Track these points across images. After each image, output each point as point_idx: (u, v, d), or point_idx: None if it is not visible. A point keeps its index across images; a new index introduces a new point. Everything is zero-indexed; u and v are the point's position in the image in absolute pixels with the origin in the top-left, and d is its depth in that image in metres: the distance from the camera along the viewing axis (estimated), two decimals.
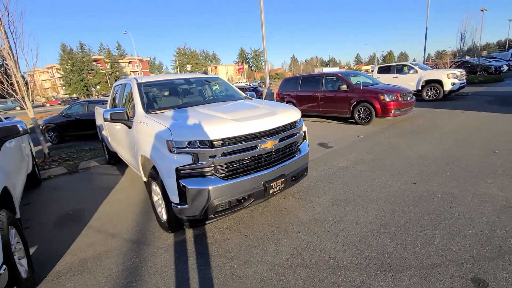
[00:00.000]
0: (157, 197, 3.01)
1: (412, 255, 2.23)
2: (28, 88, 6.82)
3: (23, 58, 6.94)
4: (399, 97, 7.24)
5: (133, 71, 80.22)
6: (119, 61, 77.36)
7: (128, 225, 3.18)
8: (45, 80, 78.22)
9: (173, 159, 2.39)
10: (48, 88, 76.64)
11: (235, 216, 3.15)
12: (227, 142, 2.47)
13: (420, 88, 11.27)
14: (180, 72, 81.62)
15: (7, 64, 6.75)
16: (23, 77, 6.99)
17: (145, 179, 3.28)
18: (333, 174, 4.18)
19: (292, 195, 3.58)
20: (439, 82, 10.67)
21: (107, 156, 5.91)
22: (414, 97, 8.17)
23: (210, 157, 2.41)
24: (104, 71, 72.49)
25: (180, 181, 2.39)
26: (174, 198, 2.45)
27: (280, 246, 2.52)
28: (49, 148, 7.44)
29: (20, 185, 3.22)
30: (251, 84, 36.06)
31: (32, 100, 7.04)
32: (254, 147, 2.61)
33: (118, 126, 3.85)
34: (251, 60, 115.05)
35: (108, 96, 6.09)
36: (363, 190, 3.54)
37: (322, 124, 8.59)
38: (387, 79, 11.81)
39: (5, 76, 6.78)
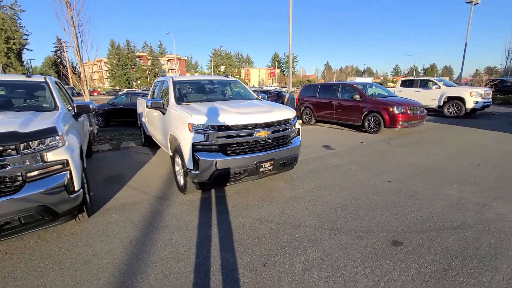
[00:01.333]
0: (178, 167, 4.01)
1: (357, 224, 2.95)
2: (86, 79, 8.38)
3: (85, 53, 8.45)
4: (408, 110, 7.65)
5: (171, 69, 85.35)
6: (159, 58, 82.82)
7: (155, 187, 4.21)
8: (94, 72, 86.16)
9: (191, 137, 3.35)
10: (95, 79, 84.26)
11: (234, 188, 4.04)
12: (230, 128, 3.38)
13: (441, 104, 11.32)
14: (214, 72, 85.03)
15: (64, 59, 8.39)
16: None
17: (171, 154, 4.29)
18: (325, 169, 4.90)
19: (284, 180, 4.38)
20: (461, 100, 10.68)
21: (143, 139, 7.14)
22: (425, 111, 8.46)
23: (217, 137, 3.34)
24: (145, 67, 78.08)
25: (194, 153, 3.34)
26: (189, 165, 3.41)
27: (262, 209, 3.36)
28: (96, 130, 8.94)
29: (84, 149, 4.41)
30: (276, 89, 36.83)
31: (89, 89, 8.60)
32: (251, 134, 3.49)
33: (155, 113, 4.95)
34: (284, 65, 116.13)
35: (148, 89, 7.34)
36: (343, 182, 4.24)
37: (334, 130, 9.19)
38: (409, 93, 12.00)
39: (71, 68, 8.40)
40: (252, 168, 3.51)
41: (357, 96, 8.46)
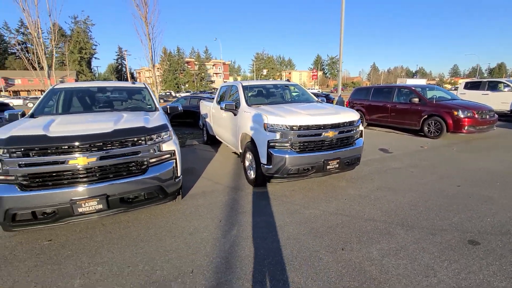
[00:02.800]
0: (248, 162, 4.50)
1: (428, 223, 3.05)
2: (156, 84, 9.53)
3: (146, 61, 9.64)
4: (476, 114, 7.15)
5: (216, 73, 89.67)
6: (205, 63, 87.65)
7: (226, 179, 4.76)
8: (148, 77, 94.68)
9: (266, 135, 3.79)
10: (149, 84, 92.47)
11: (299, 183, 4.37)
12: (301, 128, 3.73)
13: None
14: (256, 75, 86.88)
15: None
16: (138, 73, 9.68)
17: (240, 150, 4.81)
18: (385, 171, 4.95)
19: (345, 179, 4.58)
20: None
21: (205, 138, 7.90)
22: (496, 115, 7.78)
23: (290, 136, 3.71)
24: (192, 71, 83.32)
25: (269, 149, 3.77)
26: (264, 160, 3.84)
27: (329, 204, 3.63)
28: None
29: None
30: (323, 92, 36.42)
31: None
32: (319, 134, 3.80)
33: (224, 114, 5.55)
34: (327, 67, 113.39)
35: (196, 92, 8.06)
36: (407, 184, 4.29)
37: (389, 134, 8.96)
38: (475, 96, 11.05)
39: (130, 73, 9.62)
40: (319, 165, 3.81)
41: (416, 99, 8.15)
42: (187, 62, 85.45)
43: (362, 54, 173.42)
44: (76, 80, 71.07)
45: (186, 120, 12.06)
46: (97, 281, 2.27)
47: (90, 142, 2.65)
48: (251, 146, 4.19)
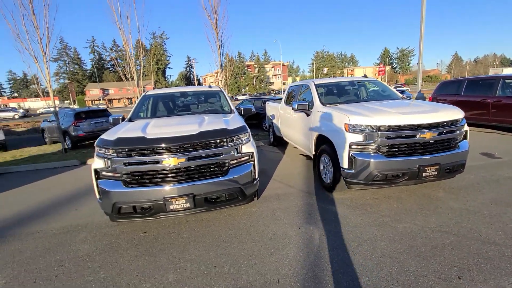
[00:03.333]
0: (323, 165, 4.20)
1: None
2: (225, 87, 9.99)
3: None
4: None
5: (274, 75, 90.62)
6: (265, 66, 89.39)
7: (297, 182, 4.56)
8: (212, 82, 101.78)
9: (348, 137, 3.45)
10: None
11: (382, 191, 3.87)
12: (391, 129, 3.27)
13: None
14: (316, 75, 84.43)
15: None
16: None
17: (313, 153, 4.55)
18: (496, 181, 4.01)
19: (442, 188, 3.86)
20: None
21: (271, 139, 7.87)
22: None
23: (376, 138, 3.30)
24: (252, 75, 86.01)
25: (351, 152, 3.42)
26: (344, 164, 3.51)
27: (428, 218, 3.08)
28: None
29: None
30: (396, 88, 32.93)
31: None
32: (413, 136, 3.27)
33: (295, 115, 5.37)
34: (396, 61, 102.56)
35: (257, 95, 7.98)
36: None
37: (490, 134, 7.39)
38: None
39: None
40: (413, 172, 3.27)
41: None
42: (247, 66, 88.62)
43: (440, 44, 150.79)
44: (154, 88, 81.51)
45: (251, 122, 12.36)
46: (188, 278, 2.34)
47: (179, 144, 2.80)
48: (328, 148, 3.90)
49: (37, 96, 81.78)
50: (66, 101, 71.61)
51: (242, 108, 4.44)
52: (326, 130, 3.94)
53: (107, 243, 3.05)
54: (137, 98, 8.55)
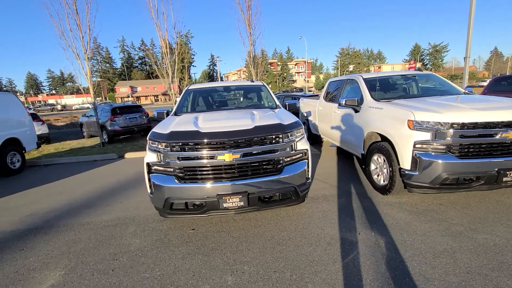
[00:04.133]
0: (375, 166, 3.89)
1: None
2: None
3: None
4: None
5: (297, 72, 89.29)
6: (288, 63, 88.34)
7: (342, 183, 4.28)
8: (234, 80, 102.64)
9: (412, 134, 3.12)
10: None
11: (445, 196, 3.49)
12: (466, 126, 2.90)
13: None
14: (341, 72, 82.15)
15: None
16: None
17: (362, 152, 4.23)
18: None
19: None
20: None
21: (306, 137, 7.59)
22: None
23: (447, 137, 2.94)
24: (275, 72, 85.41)
25: (415, 152, 3.09)
26: (407, 165, 3.18)
27: (511, 229, 2.69)
28: None
29: None
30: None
31: None
32: (493, 135, 2.87)
33: (338, 111, 5.07)
34: (428, 57, 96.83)
35: (280, 93, 7.64)
36: None
37: None
38: None
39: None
40: (490, 176, 2.88)
41: None
42: (270, 64, 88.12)
43: (477, 38, 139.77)
44: (179, 86, 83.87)
45: None
46: (248, 282, 2.19)
47: (235, 139, 2.66)
48: (383, 147, 3.58)
49: (72, 93, 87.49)
50: (98, 98, 75.71)
51: (287, 104, 4.22)
52: (383, 127, 3.62)
53: (157, 238, 2.99)
54: (175, 94, 8.68)
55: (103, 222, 3.51)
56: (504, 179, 2.87)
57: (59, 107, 51.88)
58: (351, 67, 79.14)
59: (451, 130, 2.93)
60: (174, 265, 2.49)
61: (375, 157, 3.88)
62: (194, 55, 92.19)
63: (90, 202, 4.26)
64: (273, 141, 2.79)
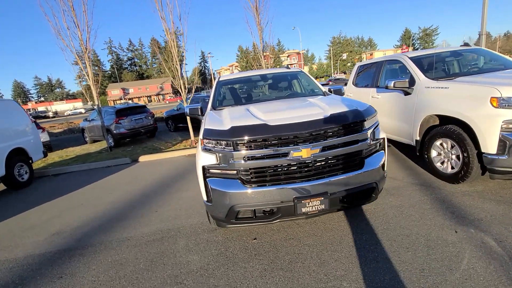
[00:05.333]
0: (439, 151, 3.51)
1: None
2: None
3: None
4: None
5: (290, 64, 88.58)
6: (280, 55, 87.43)
7: (398, 173, 3.90)
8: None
9: (498, 114, 2.74)
10: None
11: None
12: None
13: None
14: (334, 61, 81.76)
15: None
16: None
17: (417, 138, 3.84)
18: None
19: None
20: None
21: None
22: None
23: None
24: (268, 65, 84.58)
25: (503, 134, 2.71)
26: (491, 149, 2.81)
27: None
28: None
29: None
30: None
31: None
32: None
33: (380, 96, 4.66)
34: (418, 41, 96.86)
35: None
36: None
37: None
38: None
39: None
40: None
41: None
42: (264, 57, 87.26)
43: (465, 19, 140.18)
44: (172, 85, 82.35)
45: None
46: None
47: (312, 131, 2.23)
48: (452, 130, 3.20)
49: (62, 99, 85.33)
50: (89, 103, 74.04)
51: (332, 90, 3.80)
52: (452, 109, 3.22)
53: (217, 252, 2.57)
54: (182, 91, 8.13)
55: (145, 236, 3.07)
56: None
57: (50, 114, 50.58)
58: (344, 56, 78.89)
59: None
60: (254, 286, 2.09)
61: (437, 143, 3.50)
62: (183, 53, 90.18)
63: (119, 214, 3.81)
64: (353, 130, 2.38)
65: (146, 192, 4.60)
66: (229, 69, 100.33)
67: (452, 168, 3.35)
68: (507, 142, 2.69)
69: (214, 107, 3.48)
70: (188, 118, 8.28)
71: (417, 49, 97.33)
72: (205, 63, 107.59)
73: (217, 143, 2.36)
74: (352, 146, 2.35)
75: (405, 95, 4.02)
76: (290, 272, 2.18)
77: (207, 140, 2.42)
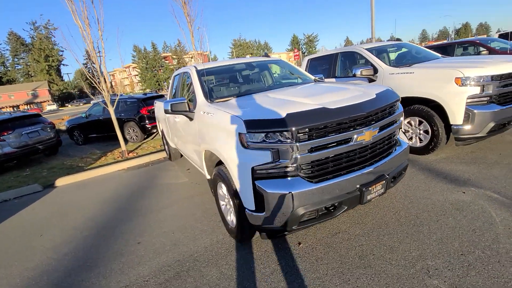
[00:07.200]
0: (404, 129, 4.04)
1: None
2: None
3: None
4: None
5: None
6: (184, 56, 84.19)
7: None
8: (124, 78, 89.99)
9: (463, 91, 3.32)
10: (127, 85, 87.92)
11: (473, 145, 3.99)
12: (503, 78, 3.30)
13: None
14: None
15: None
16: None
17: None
18: None
19: None
20: None
21: None
22: None
23: (490, 88, 3.28)
24: (172, 66, 79.94)
25: (467, 107, 3.32)
26: (458, 120, 3.38)
27: None
28: None
29: None
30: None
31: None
32: None
33: None
34: (304, 46, 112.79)
35: None
36: None
37: None
38: None
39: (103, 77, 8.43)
40: None
41: (485, 52, 7.92)
42: (165, 57, 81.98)
43: (337, 30, 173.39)
44: (49, 91, 65.94)
45: None
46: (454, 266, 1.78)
47: (371, 111, 2.07)
48: (421, 109, 3.74)
49: None
50: None
51: (317, 78, 3.77)
52: (422, 90, 3.69)
53: (270, 271, 2.09)
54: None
55: (149, 279, 2.22)
56: None
57: None
58: (248, 57, 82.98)
59: (493, 82, 3.28)
60: None
61: (405, 121, 4.01)
62: (62, 51, 73.69)
63: (83, 260, 2.65)
64: (394, 109, 2.38)
65: (100, 222, 3.40)
66: (125, 70, 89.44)
67: (421, 141, 3.90)
68: (470, 114, 3.31)
69: (210, 100, 2.84)
70: (115, 124, 6.70)
71: (304, 53, 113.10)
72: (93, 64, 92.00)
73: (271, 135, 1.89)
74: (394, 126, 2.35)
75: (370, 82, 4.44)
76: (370, 267, 1.98)
77: (257, 134, 1.91)
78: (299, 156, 1.88)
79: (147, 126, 8.34)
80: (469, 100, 3.33)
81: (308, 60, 6.11)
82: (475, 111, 3.28)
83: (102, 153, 7.62)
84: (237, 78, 3.69)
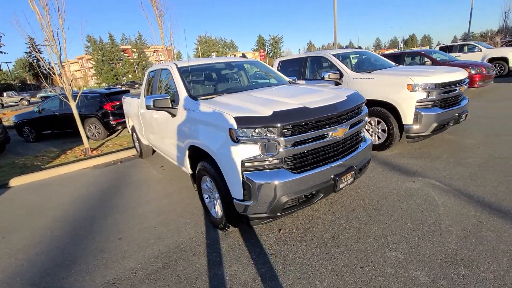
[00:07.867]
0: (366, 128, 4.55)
1: None
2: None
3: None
4: (484, 70, 8.39)
5: (157, 60, 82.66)
6: (145, 50, 79.80)
7: None
8: (76, 71, 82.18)
9: (413, 96, 3.88)
10: (79, 78, 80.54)
11: (420, 142, 4.64)
12: (444, 85, 3.93)
13: None
14: None
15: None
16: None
17: None
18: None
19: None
20: (505, 60, 11.55)
21: None
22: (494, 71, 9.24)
23: (434, 94, 3.89)
24: (131, 60, 75.28)
25: (416, 109, 3.89)
26: (409, 121, 3.94)
27: None
28: None
29: None
30: None
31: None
32: (455, 90, 4.07)
33: None
34: (270, 47, 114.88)
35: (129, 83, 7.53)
36: None
37: None
38: None
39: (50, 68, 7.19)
40: (456, 118, 4.11)
41: (429, 62, 9.07)
42: (123, 50, 76.79)
43: (300, 33, 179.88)
44: None
45: None
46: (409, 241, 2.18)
47: (342, 111, 2.39)
48: (379, 111, 4.26)
49: None
50: None
51: (291, 80, 4.06)
52: (381, 94, 4.20)
53: (256, 255, 2.30)
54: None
55: (137, 271, 2.27)
56: (461, 120, 4.18)
57: None
58: (214, 55, 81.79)
59: (436, 89, 3.90)
60: (325, 267, 2.06)
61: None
62: (0, 36, 64.52)
63: (63, 260, 2.56)
64: (361, 109, 2.74)
65: (73, 221, 3.27)
66: (78, 62, 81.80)
67: (379, 138, 4.44)
68: (418, 115, 3.89)
69: (193, 97, 2.94)
70: (78, 120, 6.28)
71: (269, 53, 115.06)
72: (40, 54, 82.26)
73: (260, 130, 2.09)
74: (361, 124, 2.71)
75: (336, 84, 4.89)
76: (342, 246, 2.30)
77: (246, 129, 2.09)
78: (284, 150, 2.11)
79: (111, 122, 7.92)
80: (417, 104, 3.91)
81: (280, 61, 6.42)
82: (422, 113, 3.86)
83: (61, 150, 7.07)
84: (217, 77, 3.81)
